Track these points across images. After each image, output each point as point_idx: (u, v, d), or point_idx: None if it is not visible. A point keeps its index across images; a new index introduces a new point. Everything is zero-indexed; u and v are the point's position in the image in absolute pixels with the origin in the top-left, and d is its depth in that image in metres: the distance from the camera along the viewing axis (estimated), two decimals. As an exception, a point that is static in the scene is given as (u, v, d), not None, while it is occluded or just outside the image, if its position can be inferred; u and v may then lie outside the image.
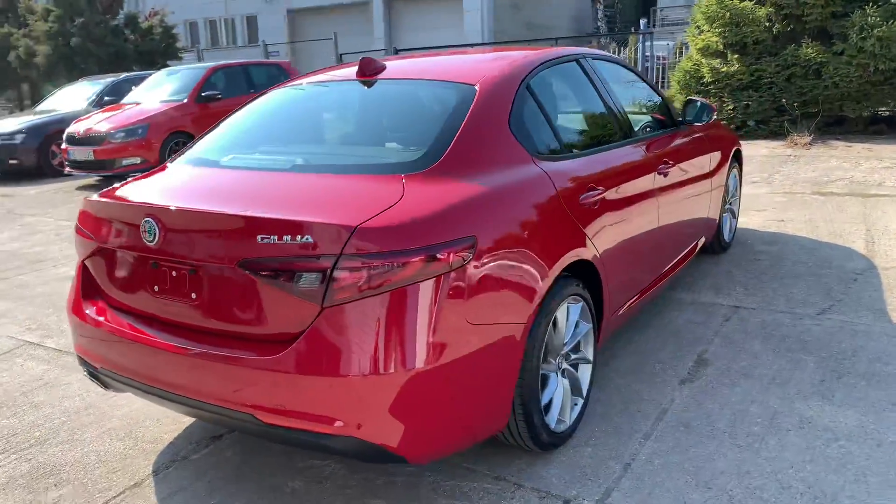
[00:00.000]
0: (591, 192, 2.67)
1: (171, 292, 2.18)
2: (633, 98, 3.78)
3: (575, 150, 2.83)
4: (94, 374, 2.46)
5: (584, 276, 2.69)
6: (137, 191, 2.45)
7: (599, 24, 32.57)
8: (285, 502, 2.37)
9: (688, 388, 3.02)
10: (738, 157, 4.93)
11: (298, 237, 1.90)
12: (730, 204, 4.91)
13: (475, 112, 2.44)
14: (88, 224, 2.40)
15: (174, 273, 2.16)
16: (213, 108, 9.74)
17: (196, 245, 2.07)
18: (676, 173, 3.59)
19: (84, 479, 2.57)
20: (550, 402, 2.51)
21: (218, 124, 2.97)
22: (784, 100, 9.76)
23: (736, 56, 10.26)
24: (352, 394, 1.90)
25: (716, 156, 4.28)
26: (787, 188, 6.85)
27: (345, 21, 29.83)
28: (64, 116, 10.63)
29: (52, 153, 10.55)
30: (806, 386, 2.98)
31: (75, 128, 9.27)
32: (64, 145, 9.31)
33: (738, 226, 5.47)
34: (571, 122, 3.13)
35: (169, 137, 9.17)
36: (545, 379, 2.50)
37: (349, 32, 28.89)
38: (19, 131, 10.39)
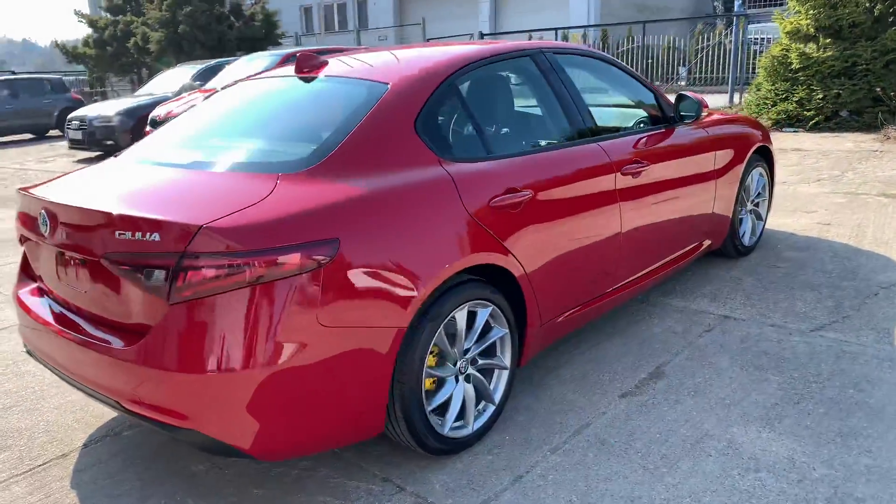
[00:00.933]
0: (510, 196, 2.58)
1: (69, 280, 2.33)
2: (612, 95, 3.60)
3: (501, 152, 2.73)
4: (29, 352, 2.66)
5: (503, 280, 2.62)
6: (51, 185, 2.60)
7: (716, 4, 30.87)
8: (181, 484, 2.48)
9: (626, 402, 2.88)
10: (765, 155, 4.58)
11: (148, 234, 1.98)
12: (754, 205, 4.58)
13: (376, 112, 2.42)
14: (20, 214, 2.60)
15: (70, 263, 2.30)
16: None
17: (77, 238, 2.19)
18: (656, 173, 3.39)
19: (24, 445, 2.79)
20: (447, 406, 2.48)
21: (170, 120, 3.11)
22: (880, 88, 8.91)
23: (828, 40, 9.45)
24: (193, 390, 1.97)
25: (724, 154, 4.00)
26: (853, 188, 6.28)
27: (452, 4, 29.93)
28: (157, 100, 11.36)
29: (144, 134, 11.32)
30: (754, 409, 2.76)
31: (158, 111, 9.89)
32: (148, 128, 9.96)
33: (773, 228, 5.10)
34: (505, 122, 3.03)
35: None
36: (441, 382, 2.46)
37: (455, 16, 29.00)
38: (116, 114, 11.21)
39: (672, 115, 3.67)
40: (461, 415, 2.54)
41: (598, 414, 2.80)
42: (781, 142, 9.12)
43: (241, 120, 2.79)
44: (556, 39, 18.35)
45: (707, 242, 4.09)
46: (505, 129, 3.04)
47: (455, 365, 2.49)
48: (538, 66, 3.05)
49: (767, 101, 9.96)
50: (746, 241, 4.52)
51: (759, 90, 10.37)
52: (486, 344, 2.60)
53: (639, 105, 3.71)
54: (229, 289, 1.93)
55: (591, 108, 3.26)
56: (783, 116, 9.64)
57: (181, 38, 17.37)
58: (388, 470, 2.49)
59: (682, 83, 18.34)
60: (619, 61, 3.64)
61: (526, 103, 3.17)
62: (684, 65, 18.81)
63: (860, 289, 3.92)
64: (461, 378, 2.52)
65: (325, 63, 2.87)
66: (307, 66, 2.85)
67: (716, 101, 13.10)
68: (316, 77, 2.78)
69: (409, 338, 2.25)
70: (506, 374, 2.69)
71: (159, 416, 2.04)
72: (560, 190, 2.83)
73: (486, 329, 2.61)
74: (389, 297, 2.17)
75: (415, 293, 2.21)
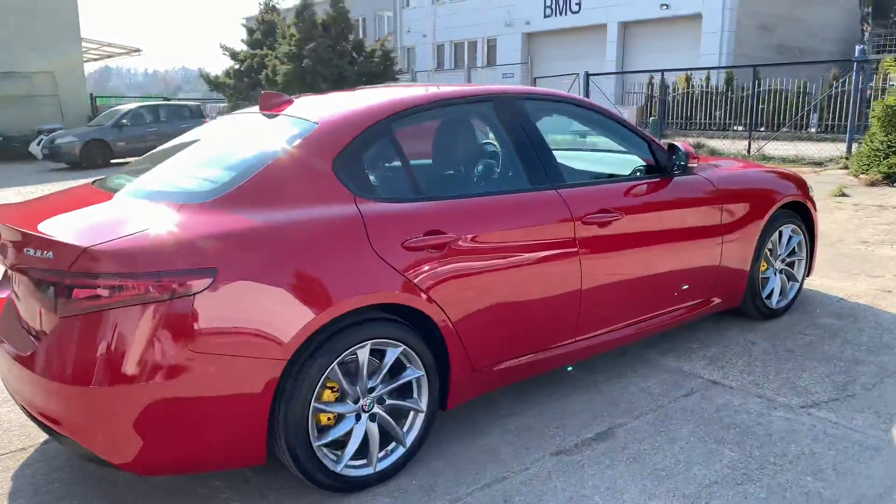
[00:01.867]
0: (431, 238, 2.57)
1: (16, 291, 2.57)
2: (597, 144, 3.49)
3: (432, 195, 2.73)
4: None
5: (423, 322, 2.61)
6: (14, 205, 2.86)
7: (865, 46, 28.75)
8: (102, 489, 2.64)
9: (555, 461, 2.74)
10: (799, 210, 4.23)
11: (46, 252, 2.16)
12: (786, 265, 4.23)
13: (293, 149, 2.51)
14: None
15: (12, 275, 2.54)
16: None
17: (10, 252, 2.42)
18: (634, 224, 3.24)
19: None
20: (345, 442, 2.48)
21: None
22: None
23: (952, 89, 8.57)
24: (67, 400, 2.11)
25: (736, 207, 3.74)
26: (940, 253, 5.63)
27: (579, 44, 29.95)
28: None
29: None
30: (687, 486, 2.55)
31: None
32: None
33: (822, 291, 4.69)
34: (444, 166, 3.00)
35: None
36: (341, 418, 2.47)
37: (582, 55, 28.98)
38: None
39: (665, 165, 3.49)
40: (365, 454, 2.54)
41: (519, 469, 2.69)
42: (889, 198, 8.34)
43: (189, 152, 2.96)
44: (661, 80, 17.78)
45: (716, 301, 3.82)
46: (442, 173, 3.03)
47: (357, 402, 2.49)
48: (497, 112, 3.03)
49: (879, 154, 9.15)
50: (774, 303, 4.17)
51: (871, 141, 9.55)
52: (397, 384, 2.58)
53: (627, 154, 3.57)
54: (104, 308, 2.07)
55: (573, 157, 3.19)
56: (895, 171, 8.81)
57: (305, 72, 18.53)
58: (285, 501, 2.52)
59: (812, 130, 17.21)
60: (608, 109, 3.52)
61: (478, 148, 3.14)
62: (815, 111, 17.67)
63: (886, 366, 3.51)
64: (364, 416, 2.52)
65: (287, 102, 3.00)
66: (267, 104, 2.99)
67: (833, 150, 12.20)
68: (271, 114, 2.91)
69: (292, 371, 2.29)
70: (422, 416, 2.66)
71: (47, 421, 2.20)
72: (496, 236, 2.78)
73: (401, 369, 2.60)
74: (268, 331, 2.22)
75: (297, 328, 2.25)
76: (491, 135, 3.03)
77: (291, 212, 2.37)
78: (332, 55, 18.60)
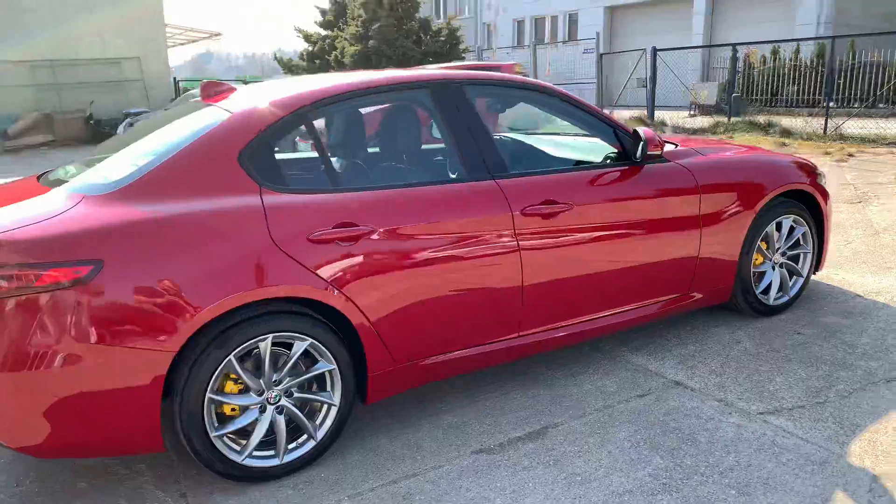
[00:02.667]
0: (341, 230, 2.53)
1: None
2: (557, 130, 3.32)
3: (348, 186, 2.68)
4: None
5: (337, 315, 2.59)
6: None
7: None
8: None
9: (472, 459, 2.68)
10: (806, 200, 3.91)
11: (-50, 241, 2.27)
12: (787, 259, 3.93)
13: (200, 140, 2.52)
14: None
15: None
16: (419, 108, 10.48)
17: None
18: (588, 215, 3.09)
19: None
20: (250, 434, 2.51)
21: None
22: None
23: None
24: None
25: (719, 197, 3.50)
26: None
27: (665, 17, 28.78)
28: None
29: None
30: (598, 494, 2.43)
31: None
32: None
33: (839, 286, 4.35)
34: (366, 156, 2.92)
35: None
36: (245, 409, 2.50)
37: (668, 29, 27.85)
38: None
39: (631, 153, 3.29)
40: (273, 445, 2.55)
41: (433, 467, 2.64)
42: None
43: (128, 143, 3.01)
44: (733, 54, 16.73)
45: (697, 296, 3.60)
46: (367, 164, 2.96)
47: (261, 395, 2.50)
48: (435, 99, 2.93)
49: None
50: (771, 299, 3.89)
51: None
52: (307, 377, 2.58)
53: (591, 142, 3.38)
54: None
55: (548, 143, 3.05)
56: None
57: (371, 53, 18.65)
58: (195, 487, 2.57)
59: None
60: (568, 93, 3.34)
61: (410, 137, 3.05)
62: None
63: (874, 372, 3.22)
64: (270, 408, 2.53)
65: (228, 91, 3.01)
66: (207, 93, 3.01)
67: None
68: (206, 105, 2.93)
69: (184, 363, 2.32)
70: (335, 410, 2.64)
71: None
72: (421, 228, 2.71)
73: (313, 362, 2.59)
74: (158, 322, 2.25)
75: (184, 322, 2.27)
76: (432, 122, 2.94)
77: (188, 203, 2.39)
78: (398, 35, 18.63)
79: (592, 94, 18.28)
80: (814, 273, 4.18)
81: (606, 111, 15.89)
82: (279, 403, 2.55)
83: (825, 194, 4.03)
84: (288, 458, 2.58)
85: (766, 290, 3.89)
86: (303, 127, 2.67)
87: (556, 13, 35.20)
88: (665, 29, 28.28)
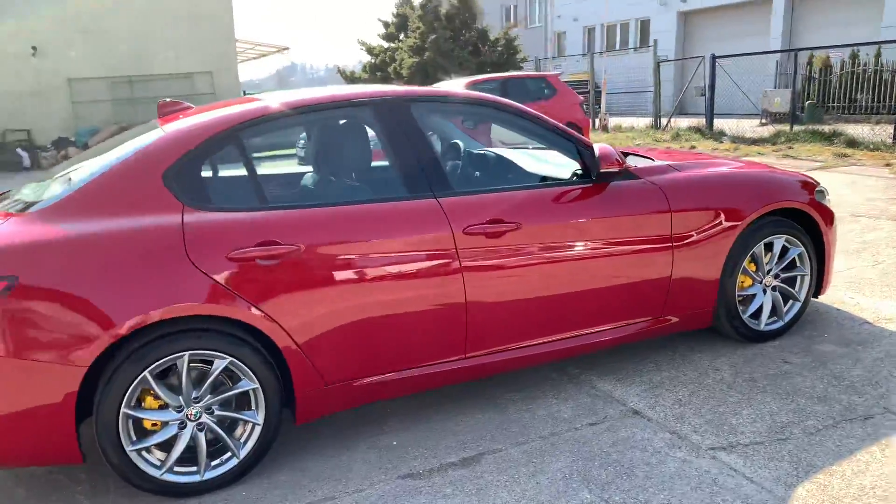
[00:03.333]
0: (263, 248, 2.54)
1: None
2: (514, 147, 3.23)
3: (277, 204, 2.68)
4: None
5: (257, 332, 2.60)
6: None
7: None
8: None
9: (395, 485, 2.62)
10: (800, 219, 3.67)
11: None
12: (781, 281, 3.69)
13: (130, 160, 2.58)
14: None
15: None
16: (459, 121, 10.45)
17: None
18: (544, 235, 3.00)
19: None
20: (169, 449, 2.54)
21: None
22: None
23: None
24: None
25: (693, 216, 3.32)
26: None
27: (741, 20, 27.89)
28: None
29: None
30: (509, 527, 2.33)
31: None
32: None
33: (848, 311, 4.06)
34: (303, 174, 2.90)
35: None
36: (165, 424, 2.53)
37: (744, 33, 26.97)
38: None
39: (591, 170, 3.17)
40: (196, 460, 2.58)
41: (354, 491, 2.60)
42: None
43: (83, 161, 3.10)
44: (794, 58, 15.91)
45: (672, 319, 3.42)
46: (300, 182, 2.95)
47: (180, 411, 2.53)
48: (377, 117, 2.90)
49: None
50: (762, 324, 3.66)
51: None
52: (228, 395, 2.59)
53: (548, 158, 3.27)
54: None
55: (499, 161, 2.99)
56: None
57: (427, 64, 18.80)
58: (123, 500, 2.62)
59: None
60: (527, 110, 3.24)
61: (349, 155, 3.02)
62: None
63: (853, 408, 2.97)
64: (191, 425, 2.55)
65: (182, 110, 3.08)
66: (162, 112, 3.09)
67: None
68: (155, 124, 3.00)
69: (100, 377, 2.37)
70: (258, 429, 2.64)
71: None
72: (352, 247, 2.68)
73: (237, 380, 2.60)
74: (69, 338, 2.32)
75: (96, 339, 2.32)
76: (371, 140, 2.92)
77: (110, 221, 2.44)
78: (454, 46, 18.70)
79: (666, 102, 17.69)
80: (815, 297, 3.91)
81: (664, 120, 15.37)
82: (200, 420, 2.57)
83: (826, 213, 3.77)
84: (210, 474, 2.60)
85: (757, 315, 3.66)
86: (233, 147, 2.69)
87: (627, 19, 34.63)
88: (741, 33, 27.38)
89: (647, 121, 16.04)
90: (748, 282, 3.62)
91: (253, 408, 2.64)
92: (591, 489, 2.52)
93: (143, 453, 2.51)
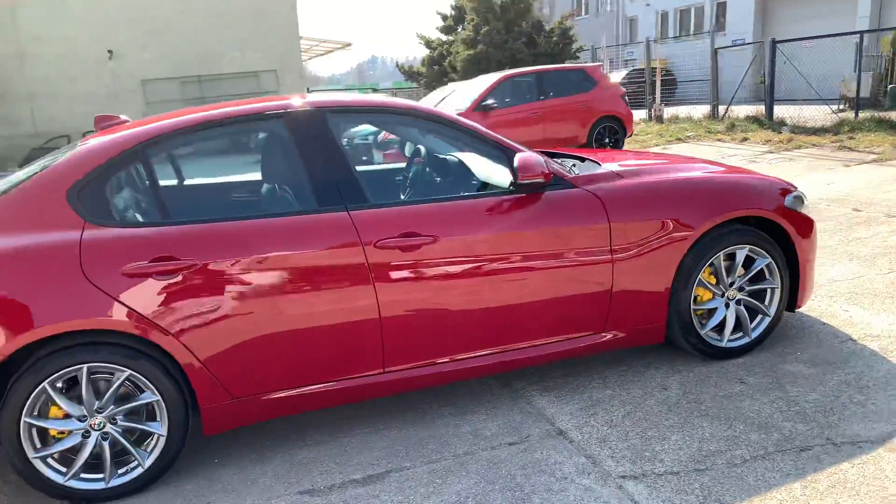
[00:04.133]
0: (161, 264, 2.58)
1: None
2: (439, 157, 3.15)
3: (180, 219, 2.72)
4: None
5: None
6: None
7: None
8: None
9: (294, 499, 2.63)
10: (770, 227, 3.43)
11: None
12: (748, 294, 3.47)
13: (39, 176, 2.67)
14: None
15: None
16: (491, 117, 10.33)
17: None
18: (464, 248, 2.92)
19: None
20: (72, 455, 2.63)
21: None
22: None
23: None
24: None
25: (636, 226, 3.16)
26: None
27: (825, 1, 26.41)
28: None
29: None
30: (380, 552, 2.30)
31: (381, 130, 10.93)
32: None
33: (835, 326, 3.79)
34: (208, 189, 2.91)
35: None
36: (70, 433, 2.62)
37: (828, 14, 25.55)
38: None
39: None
40: (101, 468, 2.66)
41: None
42: None
43: (10, 177, 3.20)
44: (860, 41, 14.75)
45: (618, 334, 3.27)
46: (204, 197, 2.96)
47: (84, 420, 2.61)
48: (290, 129, 2.89)
49: None
50: (724, 340, 3.45)
51: None
52: (130, 406, 2.65)
53: (474, 168, 3.17)
54: None
55: (432, 170, 2.95)
56: None
57: (480, 57, 18.64)
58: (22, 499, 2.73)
59: None
60: (451, 116, 3.15)
61: (262, 168, 3.01)
62: None
63: (792, 438, 2.76)
64: (95, 434, 2.63)
65: (117, 124, 3.16)
66: (98, 126, 3.18)
67: None
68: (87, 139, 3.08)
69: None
70: (163, 440, 2.70)
71: None
72: (254, 261, 2.69)
73: (141, 391, 2.66)
74: (-39, 349, 2.42)
75: (-4, 350, 2.43)
76: (282, 153, 2.91)
77: (13, 238, 2.54)
78: (507, 38, 18.47)
79: (743, 90, 16.74)
80: (791, 311, 3.66)
81: (722, 108, 14.66)
82: (105, 430, 2.64)
83: (801, 221, 3.51)
84: (116, 482, 2.67)
85: (719, 330, 3.46)
86: (139, 163, 2.74)
87: (702, 2, 33.38)
88: (826, 13, 25.94)
89: (706, 109, 15.36)
90: (707, 295, 3.42)
91: (157, 419, 2.70)
92: (479, 515, 2.44)
93: (49, 460, 2.60)
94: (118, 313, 2.55)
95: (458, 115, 10.26)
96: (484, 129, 3.20)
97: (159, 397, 2.66)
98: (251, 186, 3.14)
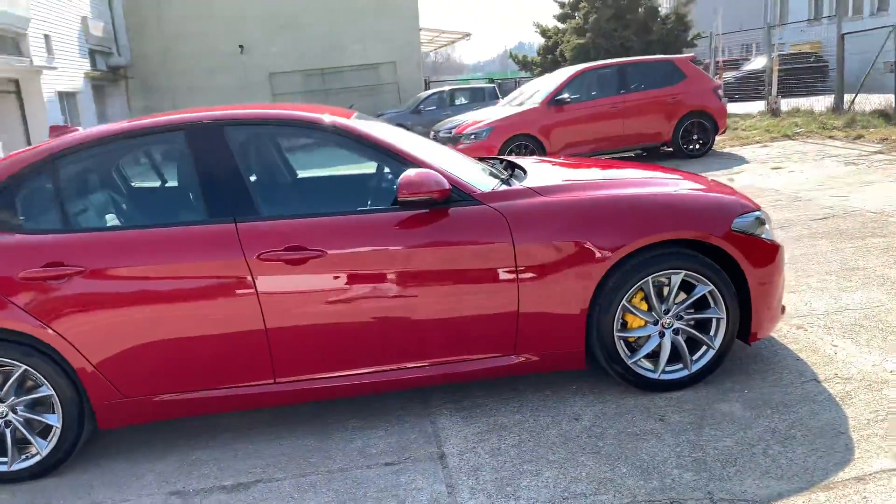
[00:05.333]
0: (50, 269, 2.80)
1: None
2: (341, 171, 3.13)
3: (74, 227, 2.91)
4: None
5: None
6: None
7: None
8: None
9: (161, 499, 2.77)
10: (709, 251, 3.12)
11: None
12: (689, 324, 3.19)
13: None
14: None
15: None
16: (565, 111, 10.02)
17: None
18: (352, 262, 2.92)
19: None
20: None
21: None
22: None
23: None
24: None
25: (544, 249, 2.99)
26: None
27: None
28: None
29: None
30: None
31: (458, 125, 10.91)
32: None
33: (819, 364, 3.41)
34: (108, 200, 3.05)
35: (509, 141, 9.92)
36: None
37: None
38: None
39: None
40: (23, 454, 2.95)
41: (121, 500, 2.81)
42: None
43: None
44: None
45: (531, 358, 3.12)
46: (103, 208, 3.10)
47: (-14, 412, 2.89)
48: (188, 142, 2.99)
49: None
50: (658, 371, 3.19)
51: None
52: (29, 398, 2.90)
53: (370, 184, 3.11)
54: None
55: (318, 184, 3.01)
56: None
57: (588, 47, 18.04)
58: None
59: None
60: (355, 128, 3.09)
61: (160, 181, 3.12)
62: None
63: (670, 488, 2.53)
64: (-1, 421, 2.91)
65: (64, 132, 3.41)
66: (50, 136, 3.45)
67: None
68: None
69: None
70: (58, 431, 2.93)
71: None
72: (137, 268, 2.85)
73: (38, 385, 2.90)
74: None
75: None
76: (178, 166, 3.02)
77: (-67, 242, 2.84)
78: (616, 26, 17.73)
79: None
80: (747, 343, 3.30)
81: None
82: (7, 418, 2.90)
83: (756, 246, 3.16)
84: (17, 466, 2.94)
85: (654, 359, 3.20)
86: (45, 176, 2.97)
87: (858, -23, 30.34)
88: None
89: (829, 101, 13.96)
90: (638, 322, 3.17)
91: (55, 412, 2.92)
92: (307, 536, 2.45)
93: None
94: (12, 314, 2.79)
95: (528, 110, 10.14)
96: (395, 142, 3.14)
97: (53, 392, 2.88)
98: (152, 196, 3.30)
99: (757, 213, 3.23)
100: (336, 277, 2.92)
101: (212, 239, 2.89)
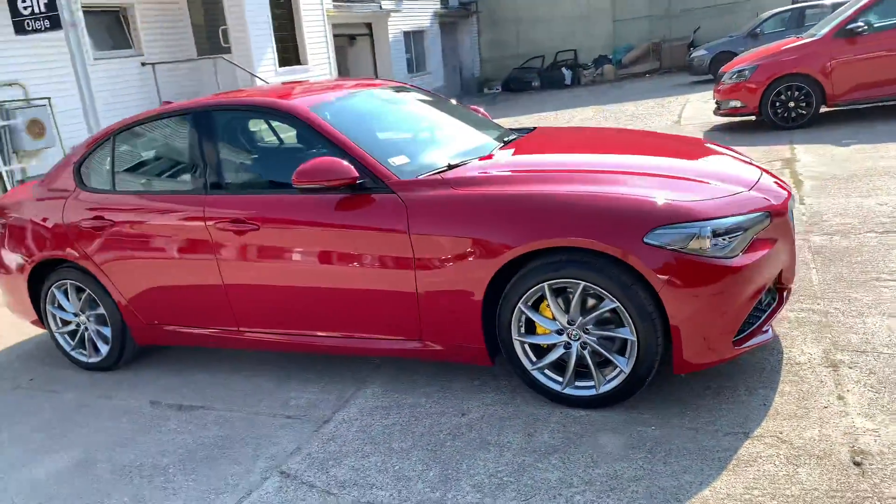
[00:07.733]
0: (97, 221, 3.80)
1: None
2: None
3: (118, 190, 3.82)
4: None
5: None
6: None
7: None
8: None
9: (141, 403, 3.64)
10: (618, 267, 2.71)
11: None
12: (592, 337, 2.86)
13: (67, 155, 4.10)
14: None
15: None
16: (858, 44, 8.09)
17: None
18: (276, 236, 3.32)
19: None
20: None
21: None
22: None
23: None
24: None
25: (439, 241, 2.95)
26: None
27: None
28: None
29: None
30: None
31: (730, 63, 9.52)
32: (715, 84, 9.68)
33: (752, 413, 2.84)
34: (137, 170, 3.79)
35: (775, 82, 8.43)
36: None
37: None
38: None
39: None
40: None
41: (111, 397, 3.74)
42: None
43: None
44: None
45: (435, 346, 3.14)
46: (133, 176, 3.85)
47: (79, 314, 4.09)
48: (194, 125, 3.63)
49: None
50: (563, 385, 2.93)
51: None
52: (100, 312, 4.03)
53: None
54: None
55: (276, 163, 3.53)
56: None
57: None
58: None
59: None
60: (317, 119, 3.29)
61: (162, 153, 3.84)
62: None
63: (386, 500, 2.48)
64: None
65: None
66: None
67: None
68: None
69: None
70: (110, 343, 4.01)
71: None
72: (137, 227, 3.71)
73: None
74: None
75: None
76: (185, 145, 3.69)
77: (43, 199, 4.07)
78: None
79: None
80: (677, 371, 2.79)
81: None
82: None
83: (680, 263, 2.62)
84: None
85: (560, 368, 2.96)
86: (107, 147, 3.93)
87: None
88: None
89: None
90: (542, 329, 2.94)
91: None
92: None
93: None
94: (74, 249, 3.89)
95: (805, 44, 8.32)
96: (339, 131, 3.29)
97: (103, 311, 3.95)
98: (158, 170, 4.00)
99: (697, 226, 2.65)
100: (267, 249, 3.35)
101: (190, 207, 3.56)
